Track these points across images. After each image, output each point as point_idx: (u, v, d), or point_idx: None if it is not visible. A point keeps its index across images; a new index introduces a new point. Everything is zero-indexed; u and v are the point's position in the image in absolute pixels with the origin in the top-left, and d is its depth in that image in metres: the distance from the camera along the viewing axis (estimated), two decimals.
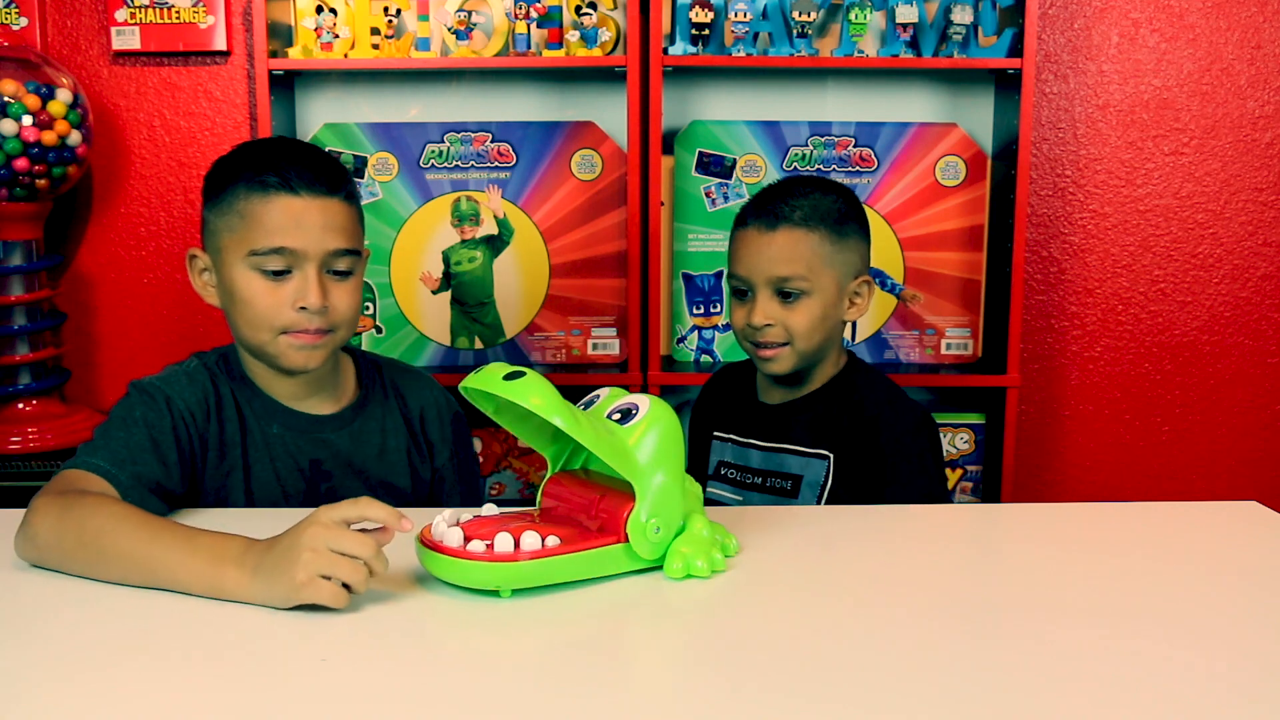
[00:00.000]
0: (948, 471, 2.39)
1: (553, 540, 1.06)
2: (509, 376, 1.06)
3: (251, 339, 1.35)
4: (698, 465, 1.66)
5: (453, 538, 1.05)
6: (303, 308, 1.32)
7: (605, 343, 2.41)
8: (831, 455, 1.53)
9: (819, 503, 1.52)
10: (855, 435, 1.53)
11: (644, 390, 2.29)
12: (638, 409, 1.11)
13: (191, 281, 1.41)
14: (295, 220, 1.31)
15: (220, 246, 1.35)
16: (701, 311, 2.40)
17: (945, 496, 1.58)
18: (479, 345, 2.41)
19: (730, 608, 1.05)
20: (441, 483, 1.51)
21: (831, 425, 1.55)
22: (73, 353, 2.46)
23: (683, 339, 2.42)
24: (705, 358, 2.41)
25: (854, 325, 2.40)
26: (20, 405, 2.26)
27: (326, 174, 1.34)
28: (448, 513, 1.09)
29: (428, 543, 1.06)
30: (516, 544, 1.04)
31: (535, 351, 2.41)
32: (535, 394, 1.04)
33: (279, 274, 1.32)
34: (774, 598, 1.07)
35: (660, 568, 1.11)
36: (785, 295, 1.54)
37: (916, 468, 1.53)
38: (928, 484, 1.53)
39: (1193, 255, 2.51)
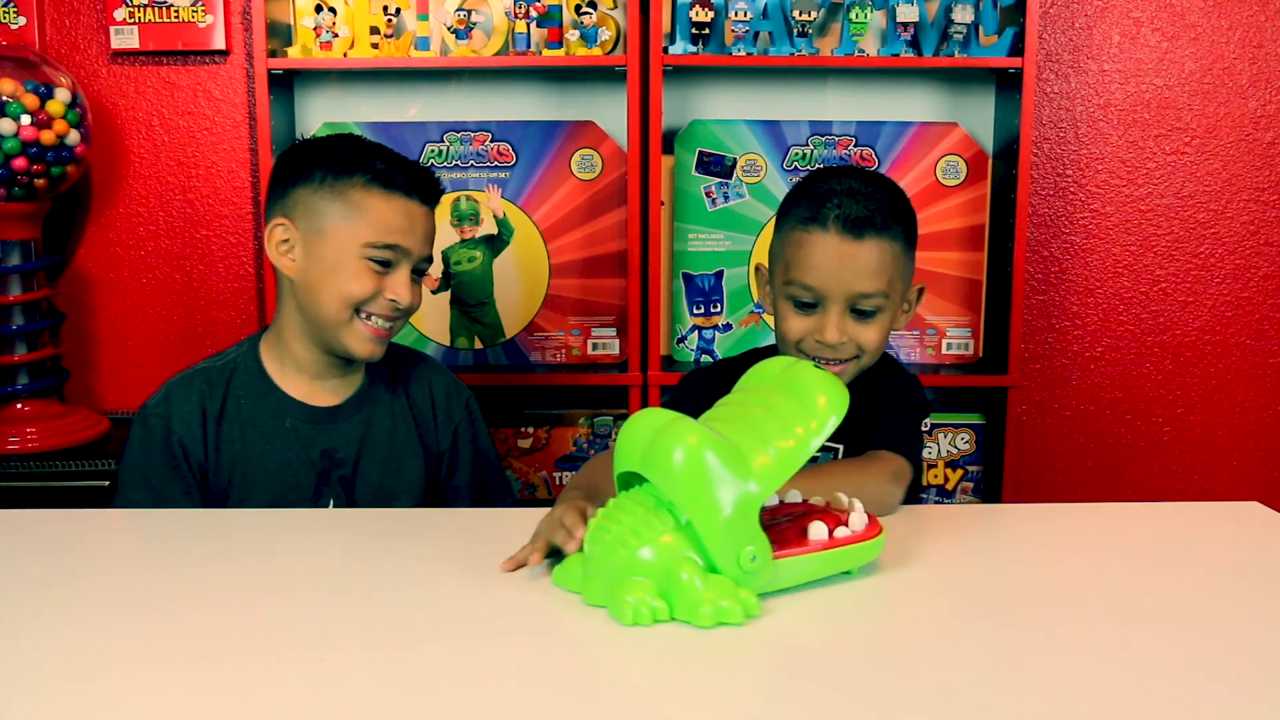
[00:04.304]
0: (948, 472, 2.38)
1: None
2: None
3: (331, 314, 1.45)
4: None
5: (819, 531, 1.08)
6: (393, 300, 1.45)
7: (605, 343, 2.40)
8: (841, 447, 1.45)
9: None
10: (861, 418, 1.40)
11: (644, 390, 2.30)
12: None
13: (268, 250, 1.49)
14: (410, 223, 1.45)
15: (323, 228, 1.44)
16: (701, 311, 2.40)
17: (906, 442, 1.42)
18: (479, 345, 2.40)
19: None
20: (454, 467, 1.60)
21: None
22: (71, 353, 2.46)
23: (683, 339, 2.41)
24: (705, 357, 2.41)
25: None
26: (19, 405, 2.26)
27: (433, 186, 1.50)
28: None
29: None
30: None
31: (535, 351, 2.41)
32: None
33: (382, 264, 1.44)
34: (779, 591, 1.07)
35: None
36: (860, 311, 1.40)
37: (902, 404, 1.47)
38: (904, 417, 1.46)
39: (1194, 255, 2.50)
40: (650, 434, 1.03)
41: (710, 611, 0.99)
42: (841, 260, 1.37)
